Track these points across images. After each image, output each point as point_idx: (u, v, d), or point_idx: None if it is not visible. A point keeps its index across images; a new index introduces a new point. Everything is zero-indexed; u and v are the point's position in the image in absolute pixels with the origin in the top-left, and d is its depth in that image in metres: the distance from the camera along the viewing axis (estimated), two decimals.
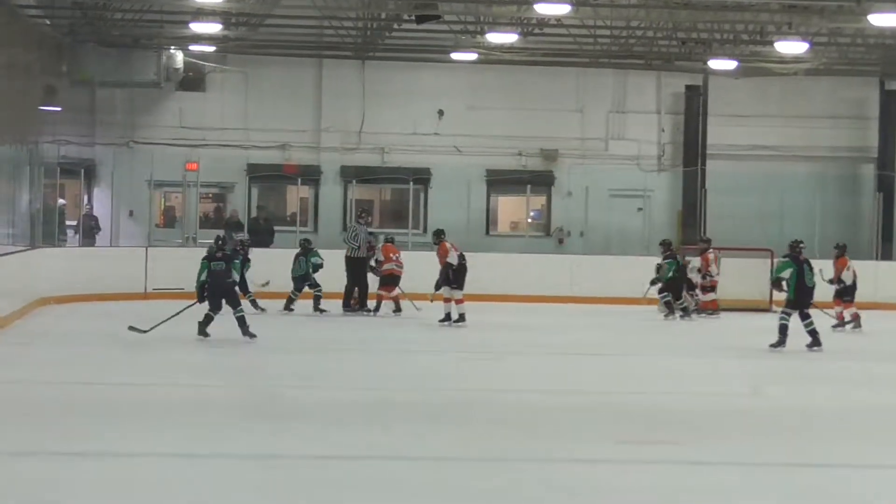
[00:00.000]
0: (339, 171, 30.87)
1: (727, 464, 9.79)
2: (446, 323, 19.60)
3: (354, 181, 31.04)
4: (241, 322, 15.76)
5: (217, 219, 30.64)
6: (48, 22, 27.22)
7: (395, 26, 27.03)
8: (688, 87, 30.94)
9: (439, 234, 20.74)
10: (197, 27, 26.18)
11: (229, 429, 10.75)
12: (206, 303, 17.38)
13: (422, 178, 31.03)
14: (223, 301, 15.85)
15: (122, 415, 11.54)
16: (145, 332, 16.47)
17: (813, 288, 17.30)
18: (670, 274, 21.54)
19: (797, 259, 17.12)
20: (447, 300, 19.88)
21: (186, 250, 26.65)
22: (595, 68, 30.58)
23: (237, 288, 18.08)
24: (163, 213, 31.77)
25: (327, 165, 30.93)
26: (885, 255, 28.78)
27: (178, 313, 16.97)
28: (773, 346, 16.68)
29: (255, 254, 24.33)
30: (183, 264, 23.12)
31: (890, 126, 31.44)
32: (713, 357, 17.53)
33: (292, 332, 19.37)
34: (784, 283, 17.16)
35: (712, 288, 22.75)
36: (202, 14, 25.41)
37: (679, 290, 21.97)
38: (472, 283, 23.56)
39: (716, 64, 29.05)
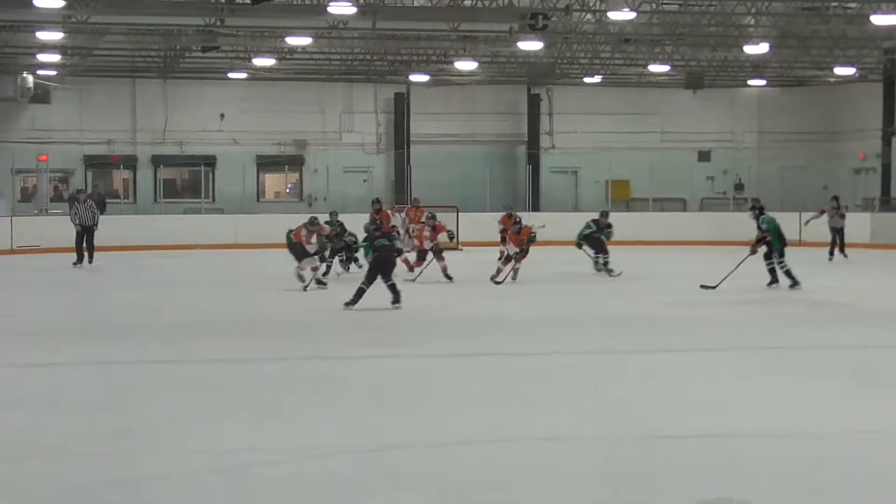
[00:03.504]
0: (151, 158, 35.25)
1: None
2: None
3: (162, 165, 35.57)
4: (393, 289, 14.78)
5: (59, 195, 34.19)
6: None
7: (187, 55, 31.03)
8: (396, 94, 35.69)
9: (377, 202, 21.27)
10: (42, 57, 29.94)
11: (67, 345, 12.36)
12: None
13: (210, 162, 35.26)
14: (379, 275, 14.77)
15: None
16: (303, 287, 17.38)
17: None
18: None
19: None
20: None
21: (41, 218, 31.30)
22: (331, 82, 35.57)
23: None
24: (22, 192, 35.00)
25: (142, 155, 35.21)
26: (534, 208, 33.20)
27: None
28: (791, 286, 17.31)
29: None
30: (38, 227, 29.09)
31: (534, 119, 36.64)
32: None
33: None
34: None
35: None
36: (46, 47, 28.58)
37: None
38: (247, 236, 29.85)
39: (415, 77, 33.82)
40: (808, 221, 25.55)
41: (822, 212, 25.58)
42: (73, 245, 23.53)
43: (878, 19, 23.65)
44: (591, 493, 6.70)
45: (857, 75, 34.12)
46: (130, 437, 7.91)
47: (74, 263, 23.07)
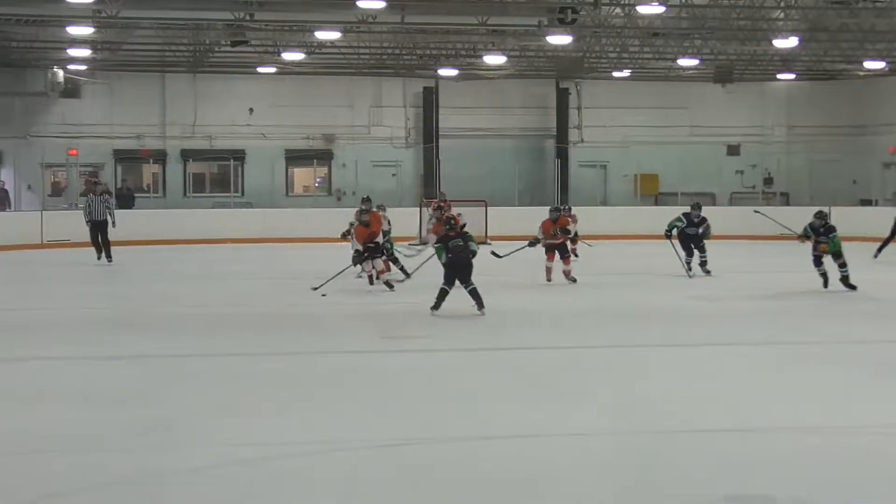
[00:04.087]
0: (180, 153, 35.21)
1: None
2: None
3: (191, 160, 35.43)
4: (474, 294, 13.98)
5: (89, 189, 31.73)
6: None
7: (217, 49, 30.92)
8: (425, 88, 35.51)
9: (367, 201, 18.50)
10: (72, 51, 29.84)
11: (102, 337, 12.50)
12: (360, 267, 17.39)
13: (239, 156, 35.17)
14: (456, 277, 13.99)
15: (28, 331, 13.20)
16: (316, 289, 16.13)
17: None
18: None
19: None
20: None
21: (71, 212, 29.30)
22: (359, 76, 35.22)
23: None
24: (52, 186, 35.09)
25: (171, 149, 35.19)
26: (562, 202, 28.99)
27: (340, 272, 16.89)
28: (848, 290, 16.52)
29: (123, 216, 26.78)
30: (68, 221, 27.45)
31: (562, 113, 36.36)
32: None
33: None
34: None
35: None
36: (76, 42, 28.43)
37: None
38: (275, 230, 29.93)
39: (443, 71, 33.77)
40: None
41: None
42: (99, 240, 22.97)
43: None
44: (611, 486, 6.73)
45: (886, 69, 33.80)
46: (162, 429, 7.98)
47: (100, 259, 22.51)
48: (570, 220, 19.47)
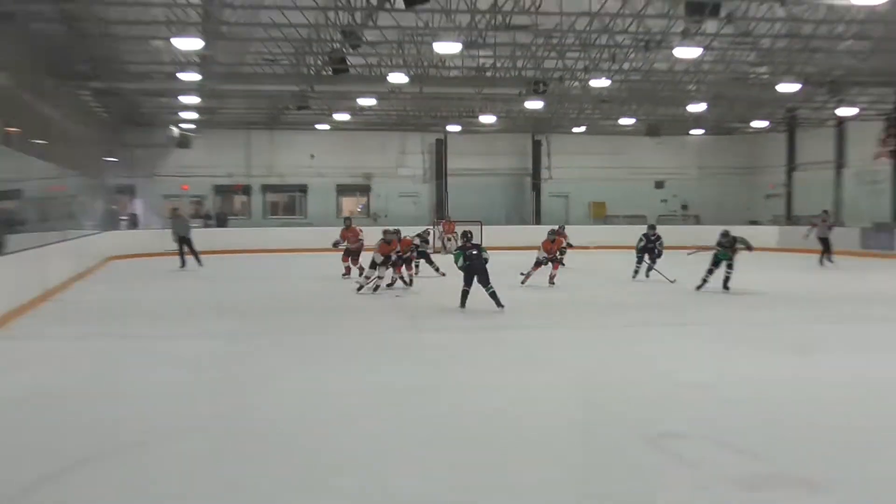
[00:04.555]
0: (261, 187, 35.12)
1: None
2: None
3: (268, 192, 35.28)
4: (494, 297, 12.94)
5: (197, 213, 33.43)
6: (104, 111, 29.74)
7: (287, 112, 30.36)
8: (437, 140, 35.40)
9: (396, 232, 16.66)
10: (184, 115, 30.38)
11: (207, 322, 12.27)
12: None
13: (303, 189, 35.21)
14: (475, 279, 13.05)
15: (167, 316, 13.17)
16: (359, 290, 15.48)
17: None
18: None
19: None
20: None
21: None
22: (389, 131, 35.01)
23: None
24: (170, 212, 31.98)
25: (254, 184, 35.10)
26: (537, 223, 33.37)
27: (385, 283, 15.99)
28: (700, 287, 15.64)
29: (219, 232, 29.76)
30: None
31: (537, 158, 36.37)
32: None
33: None
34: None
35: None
36: (187, 108, 28.57)
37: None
38: (328, 243, 29.16)
39: (450, 128, 33.77)
40: (806, 235, 22.96)
41: (814, 225, 23.05)
42: (205, 249, 22.75)
43: (783, 87, 23.45)
44: (564, 418, 6.78)
45: (768, 127, 34.25)
46: (237, 386, 8.03)
47: (181, 267, 21.81)
48: (563, 238, 18.08)
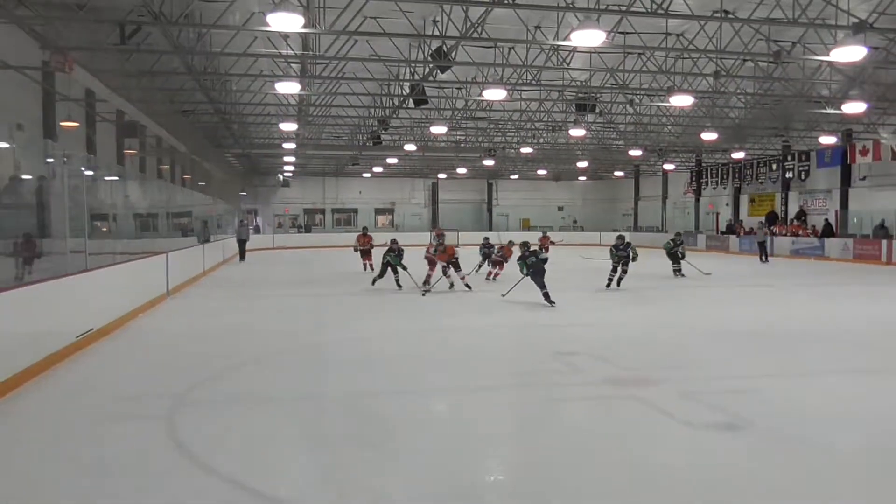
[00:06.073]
0: (331, 210, 33.80)
1: None
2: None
3: (335, 213, 33.78)
4: (546, 297, 9.07)
5: (295, 227, 32.22)
6: (240, 165, 28.48)
7: (347, 164, 28.02)
8: (432, 183, 33.84)
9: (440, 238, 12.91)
10: (286, 168, 29.36)
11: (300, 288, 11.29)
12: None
13: (354, 211, 33.75)
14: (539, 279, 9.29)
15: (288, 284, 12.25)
16: (423, 294, 10.42)
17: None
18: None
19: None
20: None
21: (286, 234, 29.38)
22: (405, 177, 33.23)
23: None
24: (277, 225, 32.96)
25: (327, 208, 33.78)
26: (490, 230, 28.83)
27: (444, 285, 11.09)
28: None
29: (307, 236, 28.17)
30: (285, 238, 27.51)
31: (490, 194, 34.19)
32: None
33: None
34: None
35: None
36: (287, 163, 27.63)
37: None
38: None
39: (441, 176, 31.81)
40: (762, 241, 18.17)
41: (753, 231, 19.66)
42: (299, 245, 22.07)
43: (632, 152, 22.74)
44: (513, 343, 6.49)
45: (623, 175, 33.41)
46: (324, 325, 7.73)
47: (241, 260, 18.66)
48: (547, 238, 14.57)
